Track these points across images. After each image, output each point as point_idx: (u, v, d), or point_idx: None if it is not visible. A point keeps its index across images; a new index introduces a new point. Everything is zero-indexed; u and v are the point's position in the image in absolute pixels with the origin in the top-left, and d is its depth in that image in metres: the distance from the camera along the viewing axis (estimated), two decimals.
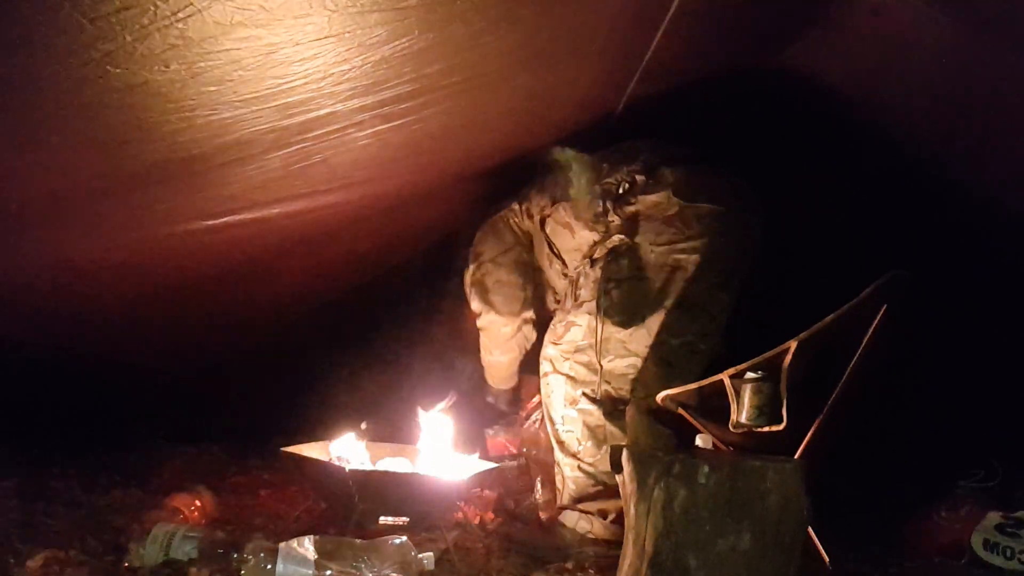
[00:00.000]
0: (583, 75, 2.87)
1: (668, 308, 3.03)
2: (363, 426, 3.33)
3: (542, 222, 3.49)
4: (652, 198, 3.14)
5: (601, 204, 3.21)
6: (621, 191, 3.21)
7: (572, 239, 3.32)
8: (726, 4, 2.68)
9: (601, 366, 3.05)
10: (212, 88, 1.76)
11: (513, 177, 3.61)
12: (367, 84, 2.04)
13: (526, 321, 3.58)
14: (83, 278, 2.78)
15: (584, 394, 3.07)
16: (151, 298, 3.17)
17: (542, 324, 3.54)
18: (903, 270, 2.59)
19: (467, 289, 3.71)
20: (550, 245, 3.47)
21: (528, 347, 3.63)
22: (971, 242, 3.27)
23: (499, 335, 3.61)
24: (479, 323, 3.66)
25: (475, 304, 3.64)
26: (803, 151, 3.58)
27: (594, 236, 3.21)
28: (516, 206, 3.62)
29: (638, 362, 3.02)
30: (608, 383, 3.05)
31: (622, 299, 3.07)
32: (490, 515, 3.18)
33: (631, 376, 3.03)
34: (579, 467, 3.05)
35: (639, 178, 3.20)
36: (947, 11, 2.30)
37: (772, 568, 2.07)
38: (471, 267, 3.67)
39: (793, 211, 3.52)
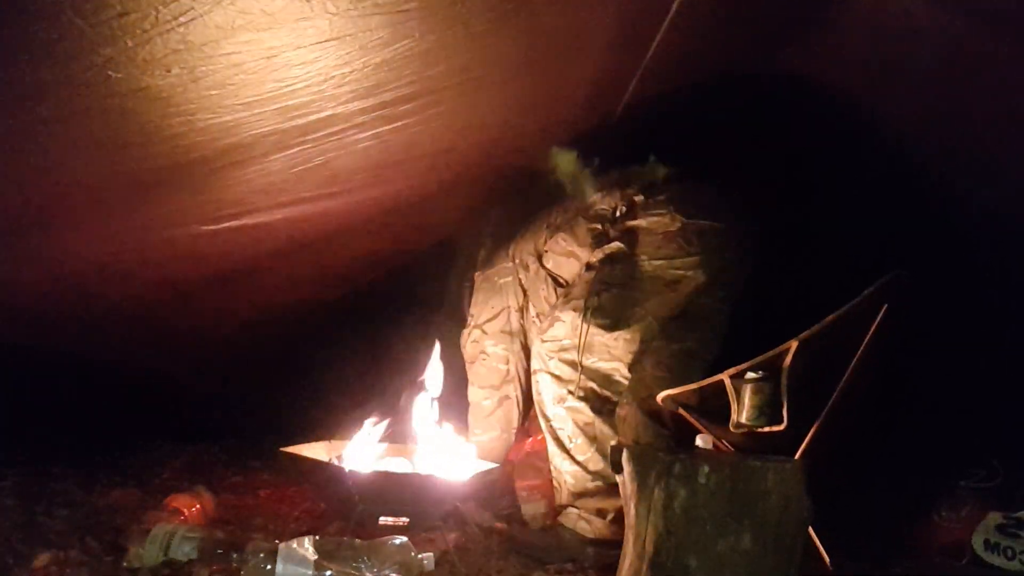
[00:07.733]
0: (584, 76, 2.87)
1: (665, 318, 3.06)
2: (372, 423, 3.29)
3: (540, 258, 3.51)
4: (653, 216, 3.17)
5: (600, 227, 3.27)
6: (618, 215, 3.26)
7: (578, 265, 3.34)
8: (727, 3, 2.68)
9: (582, 365, 3.07)
10: (213, 92, 1.76)
11: (513, 179, 3.60)
12: (368, 86, 2.04)
13: (506, 398, 3.57)
14: (84, 280, 2.79)
15: (570, 392, 3.09)
16: (152, 299, 3.17)
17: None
18: (903, 270, 2.59)
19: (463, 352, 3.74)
20: (554, 279, 3.46)
21: (513, 428, 3.58)
22: (972, 241, 3.27)
23: (480, 409, 3.59)
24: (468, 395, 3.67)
25: (468, 370, 3.67)
26: (803, 151, 3.58)
27: (598, 255, 3.23)
28: (509, 264, 3.64)
29: (622, 368, 3.05)
30: (592, 381, 3.07)
31: (611, 303, 3.10)
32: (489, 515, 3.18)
33: (615, 377, 3.06)
34: (574, 463, 3.06)
35: (637, 199, 3.25)
36: (946, 9, 2.30)
37: (772, 568, 2.07)
38: (465, 330, 3.72)
39: (794, 211, 3.52)
